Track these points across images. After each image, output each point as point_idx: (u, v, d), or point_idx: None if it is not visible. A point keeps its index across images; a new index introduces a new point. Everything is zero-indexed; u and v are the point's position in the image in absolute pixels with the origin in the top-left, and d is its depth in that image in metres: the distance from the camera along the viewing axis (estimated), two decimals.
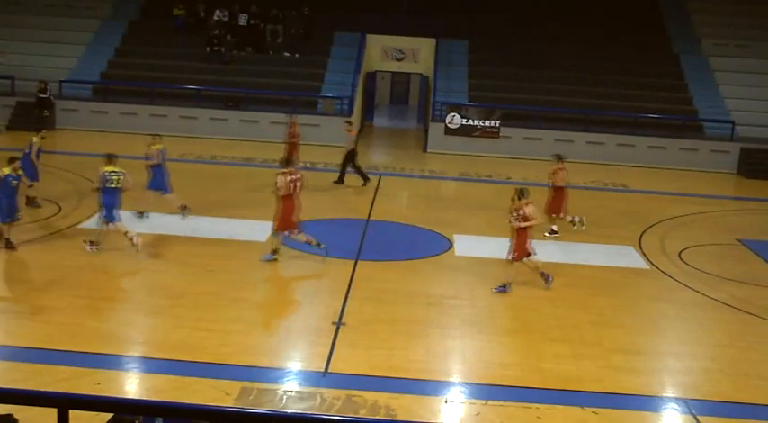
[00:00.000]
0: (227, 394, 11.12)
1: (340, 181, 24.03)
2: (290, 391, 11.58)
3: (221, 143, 28.70)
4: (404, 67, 36.88)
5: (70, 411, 5.24)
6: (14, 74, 30.79)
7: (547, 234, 19.49)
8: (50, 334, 12.90)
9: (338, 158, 24.65)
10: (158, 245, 17.71)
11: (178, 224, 19.17)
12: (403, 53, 36.01)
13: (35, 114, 28.61)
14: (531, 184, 20.15)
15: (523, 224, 15.68)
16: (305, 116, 29.84)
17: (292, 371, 12.34)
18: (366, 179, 23.89)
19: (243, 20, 34.94)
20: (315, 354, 12.77)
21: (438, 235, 19.52)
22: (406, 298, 15.42)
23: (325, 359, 12.47)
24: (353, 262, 16.94)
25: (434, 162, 28.58)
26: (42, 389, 6.58)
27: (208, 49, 33.85)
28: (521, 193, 15.96)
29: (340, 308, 14.49)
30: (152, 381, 11.83)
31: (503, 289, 15.94)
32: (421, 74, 37.57)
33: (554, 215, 19.75)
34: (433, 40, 34.83)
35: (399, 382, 11.89)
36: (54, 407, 5.84)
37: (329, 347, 12.87)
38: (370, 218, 20.63)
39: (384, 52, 35.96)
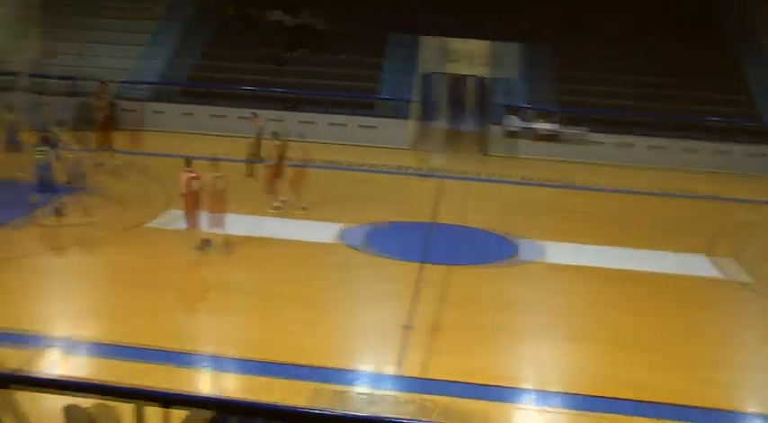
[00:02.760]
0: (301, 395, 11.09)
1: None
2: (362, 393, 11.49)
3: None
4: (460, 68, 36.59)
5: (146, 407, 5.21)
6: (75, 74, 31.00)
7: None
8: (128, 330, 12.95)
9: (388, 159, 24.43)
10: (238, 245, 17.73)
11: (257, 225, 19.16)
12: (460, 55, 35.75)
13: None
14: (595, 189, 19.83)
15: None
16: (362, 118, 29.77)
17: (364, 373, 12.28)
18: None
19: (289, 20, 34.97)
20: (386, 357, 12.75)
21: (503, 239, 19.27)
22: (475, 303, 15.25)
23: (397, 362, 12.36)
24: (420, 265, 16.77)
25: (495, 165, 28.31)
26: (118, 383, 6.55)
27: (263, 50, 33.84)
28: None
29: (409, 312, 14.33)
30: (227, 380, 11.91)
31: None
32: (476, 76, 37.29)
33: None
34: (489, 43, 34.55)
35: (470, 387, 11.75)
36: (131, 401, 5.77)
37: (400, 351, 12.76)
38: (434, 221, 20.41)
39: (440, 54, 35.72)
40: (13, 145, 22.23)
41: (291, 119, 30.42)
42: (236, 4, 35.58)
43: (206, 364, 12.31)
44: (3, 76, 30.62)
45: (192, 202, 16.85)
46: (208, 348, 12.83)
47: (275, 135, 20.54)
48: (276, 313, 14.17)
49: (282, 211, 20.15)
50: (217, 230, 17.10)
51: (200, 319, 14.19)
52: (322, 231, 18.80)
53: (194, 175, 16.92)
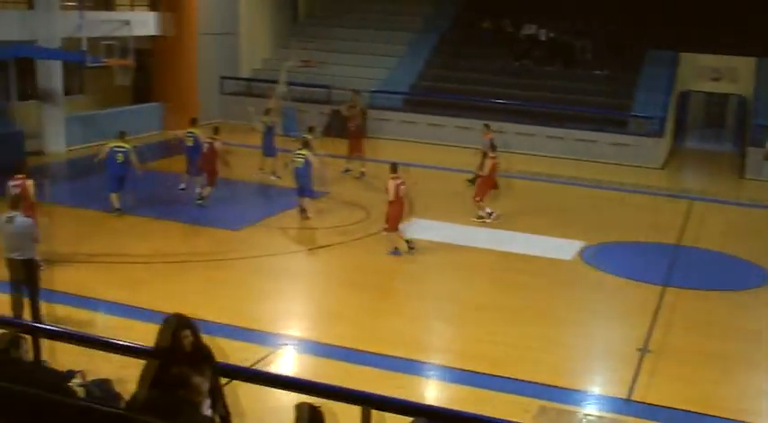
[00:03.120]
0: (526, 411, 10.89)
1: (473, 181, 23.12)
2: (590, 414, 11.15)
3: (525, 158, 28.44)
4: (720, 87, 34.99)
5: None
6: (330, 83, 32.18)
7: None
8: (358, 334, 13.21)
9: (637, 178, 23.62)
10: (457, 253, 17.77)
11: (477, 234, 19.15)
12: (719, 73, 34.18)
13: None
14: None
15: None
16: (613, 135, 29.09)
17: (593, 394, 11.93)
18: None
19: (543, 34, 34.64)
20: (617, 379, 12.33)
21: (755, 266, 18.17)
22: (719, 330, 14.47)
23: (629, 386, 11.94)
24: (661, 288, 16.12)
25: (753, 189, 26.78)
26: (348, 386, 6.64)
27: (517, 63, 33.81)
28: None
29: (646, 334, 13.80)
30: (452, 390, 11.83)
31: None
32: (739, 95, 35.51)
33: None
34: (754, 59, 32.81)
35: (707, 419, 11.13)
36: (359, 405, 5.82)
37: (633, 374, 12.30)
38: (680, 243, 19.56)
39: (699, 71, 34.31)
40: (270, 150, 23.33)
41: (540, 133, 30.19)
42: (492, 17, 35.67)
43: (432, 373, 12.36)
44: (263, 83, 32.30)
45: (400, 208, 17.30)
46: (435, 357, 12.88)
47: (492, 147, 20.50)
48: (504, 326, 14.02)
49: (485, 221, 20.07)
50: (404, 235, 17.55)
51: (427, 327, 14.24)
52: (562, 248, 18.46)
53: (401, 181, 17.36)
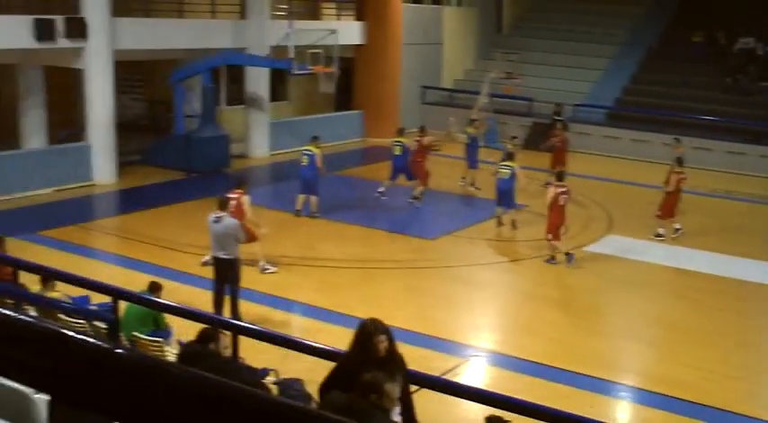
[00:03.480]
0: None
1: None
2: None
3: (737, 178, 27.15)
4: None
5: None
6: (532, 96, 31.84)
7: None
8: (549, 350, 12.93)
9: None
10: (644, 272, 17.19)
11: (663, 251, 18.43)
12: None
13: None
14: None
15: None
16: None
17: None
18: None
19: (761, 48, 32.95)
20: None
21: None
22: None
23: None
24: None
25: None
26: (538, 402, 6.47)
27: (729, 79, 32.36)
28: None
29: None
30: (645, 413, 11.42)
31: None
32: None
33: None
34: None
35: None
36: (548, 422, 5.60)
37: None
38: None
39: None
40: (473, 162, 23.19)
41: (752, 153, 28.74)
42: (705, 30, 34.30)
43: (624, 394, 11.95)
44: (465, 94, 32.33)
45: (559, 216, 17.11)
46: (627, 378, 12.45)
47: (678, 161, 19.54)
48: (699, 350, 13.38)
49: (662, 238, 19.16)
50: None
51: (619, 346, 13.74)
52: (752, 269, 17.47)
53: (564, 189, 17.13)
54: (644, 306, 15.59)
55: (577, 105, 31.68)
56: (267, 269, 15.55)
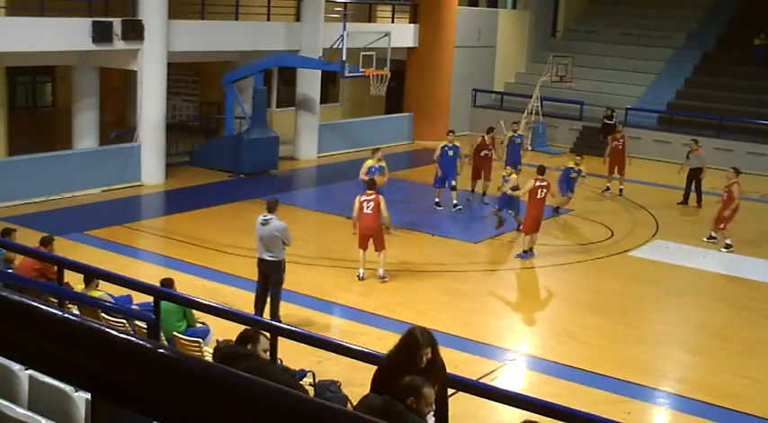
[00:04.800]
0: None
1: (684, 201, 22.89)
2: None
3: None
4: None
5: None
6: (583, 99, 31.67)
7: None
8: (588, 355, 12.91)
9: None
10: (689, 278, 17.10)
11: (710, 258, 18.31)
12: None
13: (599, 139, 29.06)
14: None
15: None
16: None
17: None
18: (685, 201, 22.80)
19: None
20: None
21: None
22: None
23: None
24: None
25: None
26: (574, 407, 6.50)
27: None
28: None
29: None
30: (684, 420, 11.36)
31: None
32: None
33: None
34: None
35: None
36: None
37: None
38: None
39: None
40: (514, 160, 23.11)
41: None
42: (766, 33, 33.70)
43: (664, 401, 11.90)
44: (516, 97, 32.25)
45: (538, 211, 17.45)
46: (668, 385, 12.39)
47: (735, 169, 19.21)
48: (748, 359, 13.29)
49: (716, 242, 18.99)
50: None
51: (662, 354, 13.66)
52: None
53: (544, 183, 17.44)
54: (688, 313, 15.51)
55: (629, 109, 31.43)
56: (385, 278, 15.61)
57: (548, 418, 6.76)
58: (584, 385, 11.84)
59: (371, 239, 15.31)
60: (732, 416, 11.30)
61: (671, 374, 12.91)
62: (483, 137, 21.94)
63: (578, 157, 21.45)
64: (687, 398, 11.91)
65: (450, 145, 20.87)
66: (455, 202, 20.85)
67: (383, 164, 18.68)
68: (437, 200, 21.15)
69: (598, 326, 14.36)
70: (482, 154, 21.69)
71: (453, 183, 20.64)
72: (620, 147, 23.92)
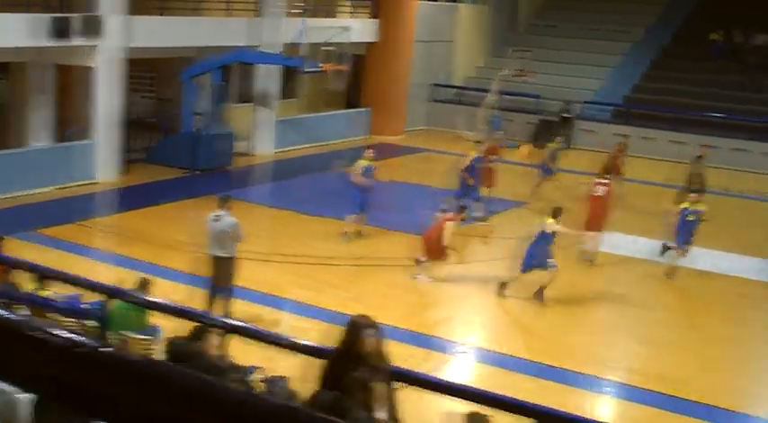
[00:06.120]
0: None
1: None
2: None
3: (742, 175, 27.30)
4: None
5: None
6: (540, 93, 31.96)
7: None
8: (536, 347, 13.24)
9: None
10: (638, 269, 17.47)
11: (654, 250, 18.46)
12: None
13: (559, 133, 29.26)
14: None
15: None
16: None
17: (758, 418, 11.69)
18: None
19: (760, 40, 33.05)
20: None
21: None
22: None
23: None
24: None
25: None
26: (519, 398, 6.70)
27: (744, 77, 32.36)
28: None
29: None
30: (626, 408, 11.80)
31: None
32: None
33: None
34: None
35: None
36: (532, 417, 5.82)
37: None
38: None
39: None
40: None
41: (756, 149, 28.86)
42: (723, 28, 34.22)
43: (609, 389, 12.27)
44: (474, 92, 32.47)
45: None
46: (614, 374, 12.70)
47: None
48: (691, 345, 13.74)
49: None
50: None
51: (611, 343, 14.00)
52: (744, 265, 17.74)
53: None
54: (638, 304, 15.82)
55: (586, 103, 31.81)
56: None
57: (494, 410, 6.94)
58: (532, 376, 12.08)
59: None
60: (671, 402, 11.63)
61: (619, 364, 13.20)
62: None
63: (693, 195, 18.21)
64: (629, 385, 12.26)
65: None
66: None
67: (374, 163, 18.56)
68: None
69: (548, 319, 14.64)
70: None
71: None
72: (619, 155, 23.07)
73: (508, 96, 30.72)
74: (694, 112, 30.63)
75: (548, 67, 33.44)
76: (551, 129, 29.07)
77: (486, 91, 29.94)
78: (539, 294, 15.15)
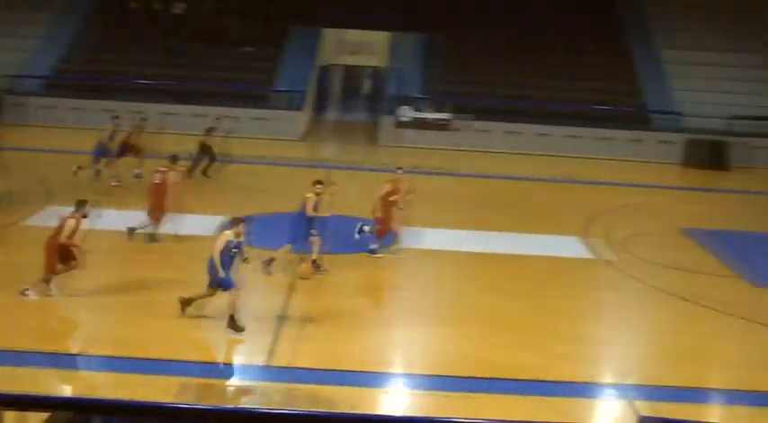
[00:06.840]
0: (169, 392, 10.88)
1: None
2: (230, 385, 11.66)
3: (171, 137, 28.22)
4: (358, 60, 36.92)
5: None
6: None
7: None
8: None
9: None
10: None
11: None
12: (358, 46, 36.08)
13: None
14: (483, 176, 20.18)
15: None
16: (254, 110, 29.95)
17: (234, 365, 12.44)
18: None
19: (179, 9, 34.94)
20: (257, 348, 12.61)
21: None
22: (350, 291, 15.54)
23: (268, 353, 12.32)
24: (298, 255, 16.68)
25: (385, 155, 28.54)
26: None
27: (163, 42, 33.65)
28: None
29: (284, 301, 14.39)
30: (90, 378, 11.88)
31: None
32: (375, 67, 37.63)
33: None
34: (387, 33, 34.85)
35: (340, 374, 11.84)
36: None
37: (271, 342, 12.68)
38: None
39: (340, 46, 36.00)
40: None
41: (185, 112, 30.26)
42: None
43: (67, 362, 12.22)
44: None
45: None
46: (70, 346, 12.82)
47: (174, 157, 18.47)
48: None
49: None
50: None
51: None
52: (200, 224, 18.23)
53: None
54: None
55: (13, 76, 30.88)
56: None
57: None
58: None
59: None
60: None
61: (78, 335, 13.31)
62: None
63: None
64: (86, 355, 12.49)
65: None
66: None
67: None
68: None
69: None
70: None
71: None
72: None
73: None
74: (127, 79, 31.27)
75: None
76: None
77: None
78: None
